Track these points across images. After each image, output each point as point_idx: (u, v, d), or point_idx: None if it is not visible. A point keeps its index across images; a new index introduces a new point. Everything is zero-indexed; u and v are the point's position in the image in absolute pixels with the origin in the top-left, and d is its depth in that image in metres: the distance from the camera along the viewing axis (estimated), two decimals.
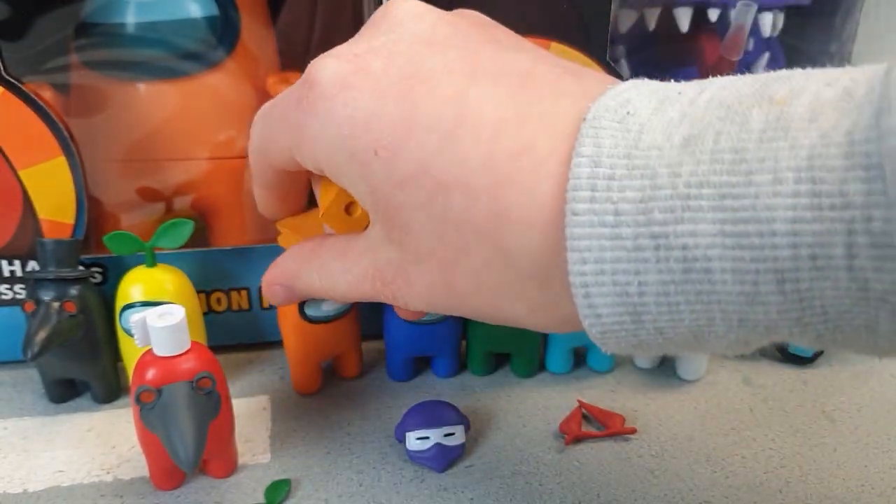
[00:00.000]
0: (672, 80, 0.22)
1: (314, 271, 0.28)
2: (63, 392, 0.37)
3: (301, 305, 0.35)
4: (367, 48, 0.24)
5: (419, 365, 0.40)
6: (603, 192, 0.20)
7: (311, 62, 0.25)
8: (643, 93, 0.21)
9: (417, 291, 0.25)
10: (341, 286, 0.27)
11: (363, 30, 0.26)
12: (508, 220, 0.21)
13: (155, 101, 0.38)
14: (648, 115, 0.20)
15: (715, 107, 0.19)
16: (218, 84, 0.39)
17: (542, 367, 0.40)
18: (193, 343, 0.30)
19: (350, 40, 0.26)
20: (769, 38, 0.43)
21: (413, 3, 0.25)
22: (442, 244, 0.23)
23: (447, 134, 0.22)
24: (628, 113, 0.20)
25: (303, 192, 0.32)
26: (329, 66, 0.24)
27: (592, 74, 0.24)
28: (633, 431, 0.35)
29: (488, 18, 0.27)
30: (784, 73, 0.20)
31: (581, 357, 0.41)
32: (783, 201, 0.17)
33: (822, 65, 0.20)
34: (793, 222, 0.17)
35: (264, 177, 0.30)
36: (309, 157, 0.26)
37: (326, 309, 0.36)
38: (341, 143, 0.24)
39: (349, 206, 0.28)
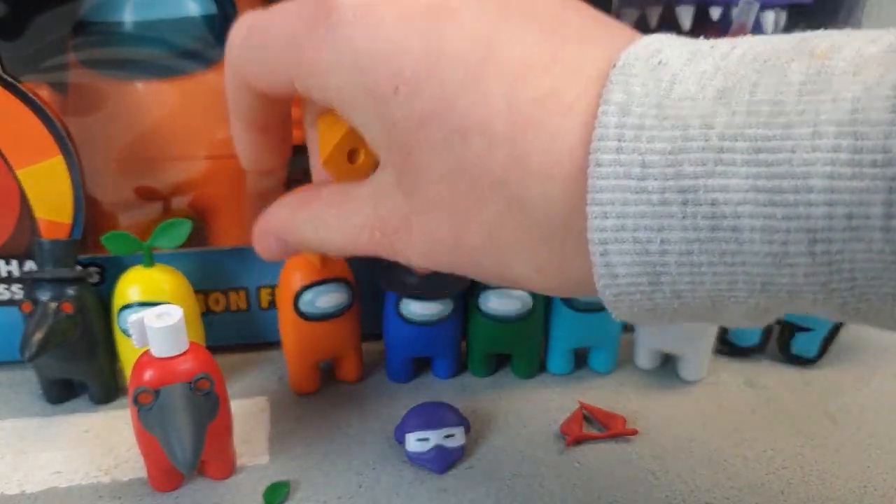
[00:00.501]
0: None
1: (309, 220, 0.26)
2: (60, 393, 0.37)
3: (295, 302, 0.35)
4: None
5: (419, 366, 0.40)
6: (630, 143, 0.19)
7: None
8: (674, 45, 0.20)
9: (420, 243, 0.23)
10: (338, 237, 0.26)
11: None
12: (528, 169, 0.20)
13: (153, 99, 0.38)
14: (681, 66, 0.19)
15: (749, 60, 0.19)
16: (216, 83, 0.38)
17: (542, 368, 0.40)
18: (191, 344, 0.30)
19: None
20: None
21: None
22: (454, 192, 0.22)
23: (472, 72, 0.21)
24: (660, 62, 0.19)
25: (284, 128, 0.29)
26: None
27: (620, 25, 0.23)
28: (635, 433, 0.35)
29: None
30: (822, 31, 0.19)
31: (582, 358, 0.40)
32: (822, 156, 0.16)
33: None
34: (830, 178, 0.16)
35: (241, 101, 0.27)
36: (318, 87, 0.24)
37: (320, 305, 0.35)
38: (358, 75, 0.22)
39: (351, 154, 0.26)
